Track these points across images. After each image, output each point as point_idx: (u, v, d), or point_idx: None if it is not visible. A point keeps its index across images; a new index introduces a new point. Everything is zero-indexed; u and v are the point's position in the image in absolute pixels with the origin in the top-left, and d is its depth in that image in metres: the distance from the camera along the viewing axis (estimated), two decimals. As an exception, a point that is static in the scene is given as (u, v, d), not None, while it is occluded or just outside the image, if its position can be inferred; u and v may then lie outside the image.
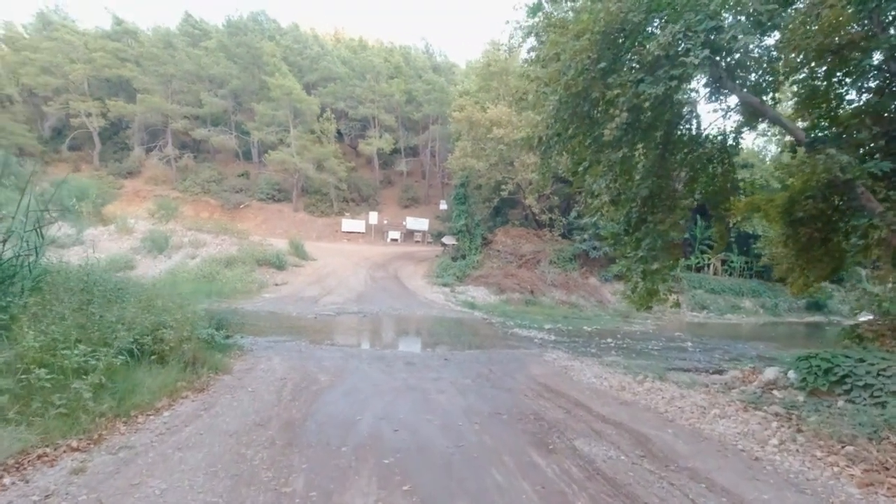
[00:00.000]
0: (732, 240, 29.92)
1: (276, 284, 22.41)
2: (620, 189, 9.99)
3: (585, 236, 27.61)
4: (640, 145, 9.70)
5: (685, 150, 10.11)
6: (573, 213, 31.61)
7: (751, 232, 30.23)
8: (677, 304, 8.05)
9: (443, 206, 39.48)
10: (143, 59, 41.81)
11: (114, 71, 42.68)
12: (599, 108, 9.07)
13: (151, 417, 5.58)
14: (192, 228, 27.28)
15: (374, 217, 38.31)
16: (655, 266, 8.74)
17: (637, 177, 9.81)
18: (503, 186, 27.03)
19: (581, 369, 9.73)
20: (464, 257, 28.28)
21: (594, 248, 27.10)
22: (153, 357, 6.74)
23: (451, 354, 11.02)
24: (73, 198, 26.22)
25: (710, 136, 10.28)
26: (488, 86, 29.26)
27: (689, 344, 16.40)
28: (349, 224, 38.46)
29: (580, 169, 10.53)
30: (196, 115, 42.29)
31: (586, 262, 28.22)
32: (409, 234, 39.51)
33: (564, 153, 11.00)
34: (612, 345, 15.05)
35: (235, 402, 6.43)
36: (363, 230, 38.46)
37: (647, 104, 7.79)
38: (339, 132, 44.49)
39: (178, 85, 41.40)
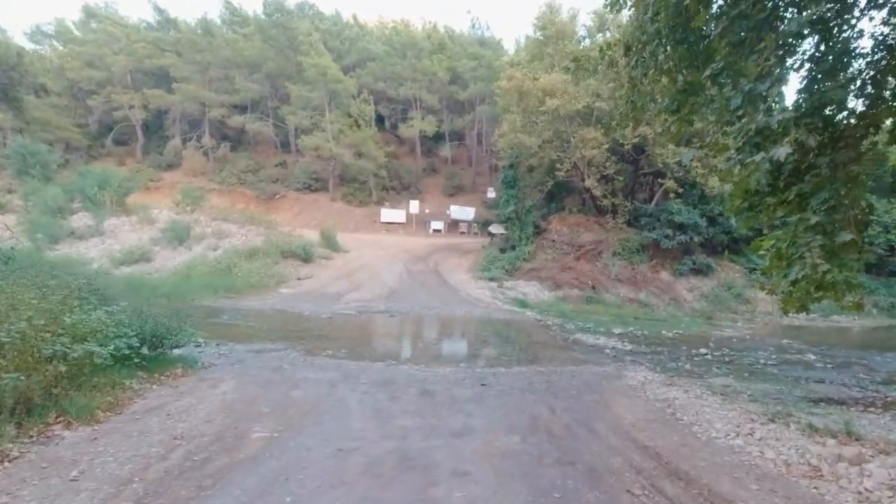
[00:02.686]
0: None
1: (299, 278, 19.90)
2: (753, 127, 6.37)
3: (656, 223, 23.57)
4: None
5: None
6: (641, 197, 27.58)
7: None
8: (859, 306, 3.97)
9: (490, 193, 36.11)
10: (181, 46, 40.70)
11: (154, 61, 41.83)
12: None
13: None
14: (217, 218, 25.31)
15: (415, 206, 35.42)
16: (847, 237, 4.97)
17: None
18: (558, 166, 23.42)
19: (695, 408, 6.26)
20: (513, 248, 24.90)
21: (666, 237, 23.04)
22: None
23: (492, 374, 7.82)
24: (94, 187, 24.71)
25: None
26: (541, 53, 25.62)
27: (812, 356, 12.42)
28: (388, 214, 35.75)
29: (679, 104, 6.94)
30: (233, 104, 40.81)
31: (657, 253, 24.17)
32: (453, 225, 36.40)
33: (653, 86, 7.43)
34: (709, 357, 11.38)
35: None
36: (403, 220, 35.66)
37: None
38: (379, 117, 41.91)
39: (215, 73, 40.04)
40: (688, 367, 9.93)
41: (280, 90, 39.55)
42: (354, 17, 49.31)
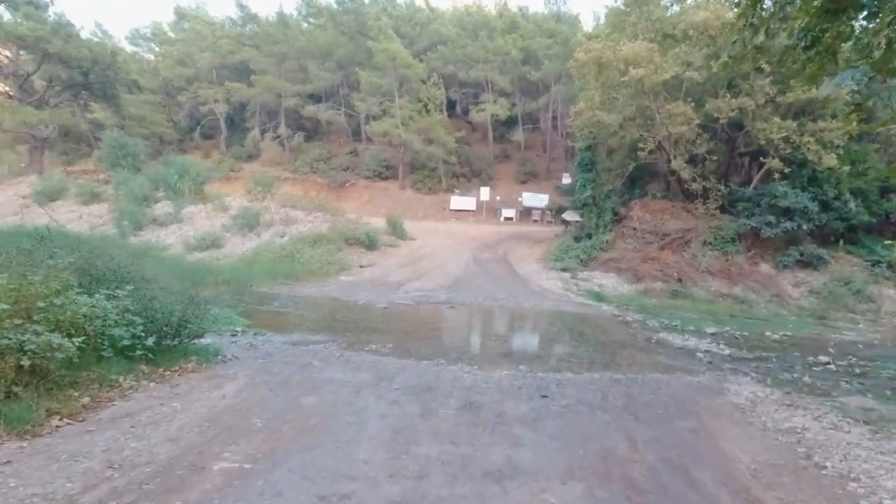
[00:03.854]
0: None
1: (361, 266, 19.33)
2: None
3: (756, 209, 20.70)
4: None
5: None
6: (735, 180, 24.54)
7: None
8: None
9: (566, 179, 34.01)
10: (259, 40, 41.83)
11: (236, 56, 43.33)
12: None
13: None
14: (286, 205, 25.43)
15: (485, 193, 34.08)
16: None
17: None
18: (640, 146, 21.17)
19: (839, 447, 4.59)
20: (589, 237, 22.97)
21: (768, 225, 20.12)
22: None
23: (556, 381, 6.48)
24: (174, 176, 25.64)
25: None
26: (623, 23, 23.28)
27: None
28: (458, 202, 34.68)
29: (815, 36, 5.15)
30: (307, 94, 41.43)
31: (755, 243, 21.29)
32: (525, 213, 34.71)
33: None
34: (832, 367, 9.27)
35: None
36: (473, 208, 34.45)
37: None
38: (450, 102, 40.86)
39: (291, 63, 40.82)
40: (806, 379, 8.00)
41: (351, 78, 39.56)
42: (426, 1, 48.59)
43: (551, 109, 38.51)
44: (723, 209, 22.06)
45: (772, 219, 20.06)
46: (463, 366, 7.31)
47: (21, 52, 32.66)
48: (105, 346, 5.08)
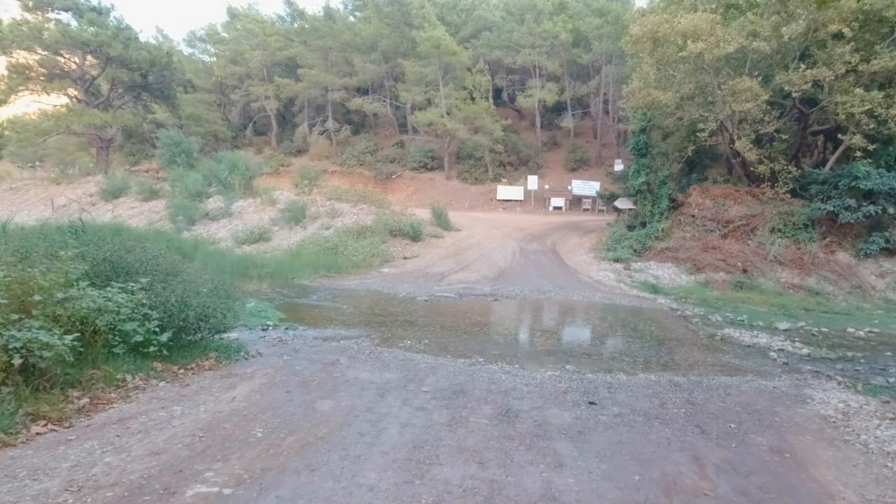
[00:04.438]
0: None
1: (405, 258, 18.99)
2: None
3: (832, 191, 18.79)
4: None
5: None
6: (807, 162, 22.48)
7: None
8: None
9: (618, 166, 32.40)
10: (306, 35, 42.27)
11: (284, 53, 44.00)
12: None
13: None
14: (332, 198, 25.45)
15: (533, 182, 33.03)
16: None
17: None
18: (700, 126, 19.63)
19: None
20: (643, 225, 21.65)
21: (848, 209, 18.20)
22: None
23: (607, 384, 5.77)
24: (225, 171, 26.19)
25: None
26: (679, -4, 21.66)
27: None
28: (505, 191, 33.81)
29: None
30: (353, 87, 41.55)
31: (832, 229, 19.39)
32: (575, 202, 33.46)
33: None
34: (933, 371, 8.02)
35: None
36: (521, 198, 33.50)
37: None
38: (496, 90, 39.89)
39: (336, 57, 41.02)
40: (905, 385, 6.88)
41: (396, 69, 39.31)
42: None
43: (602, 93, 36.86)
44: (793, 193, 20.21)
45: (852, 202, 18.14)
46: (503, 365, 6.71)
47: (87, 58, 34.41)
48: (117, 343, 4.83)
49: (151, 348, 5.10)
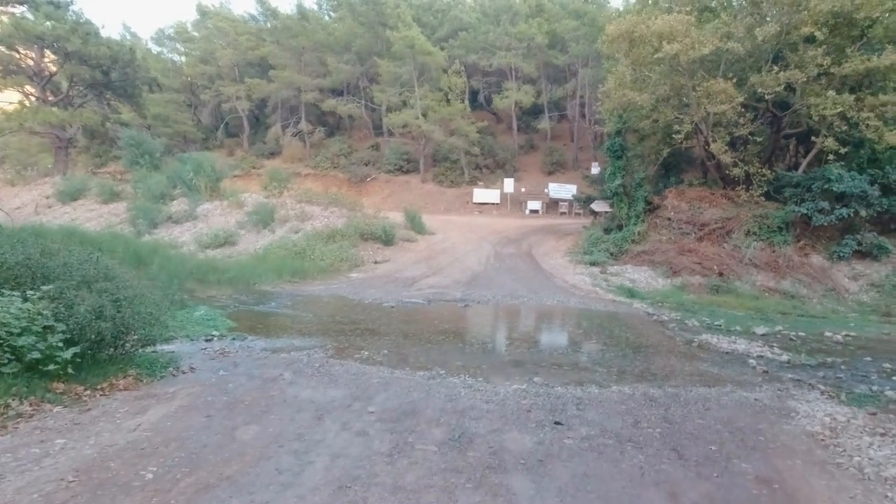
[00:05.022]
0: None
1: (376, 262, 18.32)
2: None
3: (806, 194, 18.74)
4: None
5: None
6: (780, 165, 22.50)
7: None
8: None
9: (595, 169, 32.24)
10: (279, 34, 41.31)
11: (256, 52, 42.93)
12: None
13: None
14: (303, 200, 24.61)
15: (509, 185, 32.62)
16: None
17: None
18: (676, 128, 19.42)
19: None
20: (620, 228, 21.37)
21: (821, 212, 18.15)
22: None
23: (576, 399, 5.22)
24: (190, 172, 25.14)
25: None
26: (656, -1, 21.54)
27: None
28: (482, 194, 33.34)
29: None
30: (326, 88, 40.69)
31: (806, 232, 19.35)
32: (552, 205, 33.19)
33: None
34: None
35: None
36: (497, 201, 33.08)
37: None
38: (472, 93, 39.50)
39: (310, 57, 40.13)
40: (890, 393, 6.49)
41: (371, 70, 38.64)
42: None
43: (579, 96, 36.75)
44: (767, 196, 20.15)
45: (825, 205, 18.10)
46: (465, 378, 6.12)
47: (45, 53, 32.90)
48: (6, 361, 4.09)
49: (52, 366, 4.37)
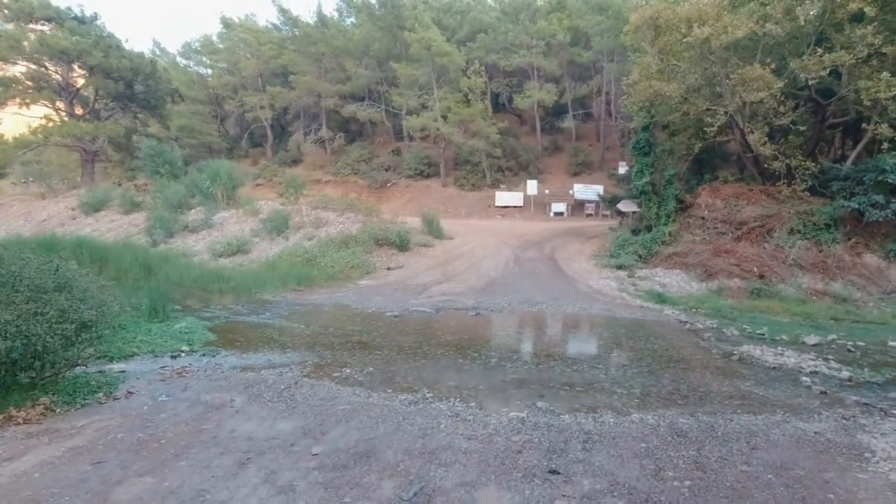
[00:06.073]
0: None
1: (389, 268, 17.49)
2: None
3: (857, 187, 17.05)
4: None
5: None
6: (826, 158, 20.77)
7: None
8: None
9: (622, 168, 30.80)
10: (299, 42, 41.31)
11: (277, 61, 43.01)
12: None
13: None
14: (318, 207, 24.09)
15: (532, 187, 31.43)
16: None
17: None
18: (708, 120, 17.99)
19: None
20: (649, 229, 19.98)
21: (874, 206, 16.47)
22: None
23: (584, 435, 4.18)
24: (206, 181, 24.94)
25: None
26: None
27: None
28: (504, 197, 32.23)
29: None
30: (346, 94, 40.40)
31: (857, 229, 17.62)
32: (577, 207, 31.83)
33: None
34: None
35: None
36: (520, 204, 31.93)
37: None
38: (494, 94, 38.54)
39: (329, 63, 39.93)
40: None
41: (390, 75, 38.15)
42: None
43: (604, 93, 35.36)
44: (812, 191, 18.49)
45: (879, 199, 16.41)
46: (455, 402, 5.14)
47: (73, 68, 33.51)
48: None
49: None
